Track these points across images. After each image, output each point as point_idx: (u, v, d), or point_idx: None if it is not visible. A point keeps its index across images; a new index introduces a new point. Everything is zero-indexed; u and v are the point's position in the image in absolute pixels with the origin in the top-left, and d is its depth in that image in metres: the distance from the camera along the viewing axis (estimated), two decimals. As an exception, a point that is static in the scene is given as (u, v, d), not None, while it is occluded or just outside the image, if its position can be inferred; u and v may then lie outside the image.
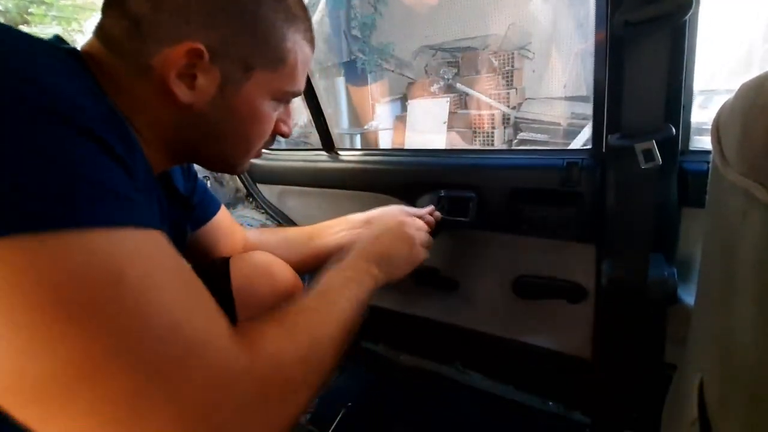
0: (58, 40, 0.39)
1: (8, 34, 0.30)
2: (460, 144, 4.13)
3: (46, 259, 0.24)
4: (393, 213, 0.70)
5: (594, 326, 0.81)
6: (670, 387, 0.57)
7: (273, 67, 0.42)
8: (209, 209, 0.65)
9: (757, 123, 0.32)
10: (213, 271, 0.55)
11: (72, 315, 0.24)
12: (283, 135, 0.50)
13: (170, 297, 0.28)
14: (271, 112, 0.45)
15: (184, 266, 0.32)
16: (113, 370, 0.25)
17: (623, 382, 0.78)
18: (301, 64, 0.45)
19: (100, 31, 0.38)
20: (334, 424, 0.96)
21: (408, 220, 0.66)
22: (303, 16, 0.44)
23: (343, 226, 0.76)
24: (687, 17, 0.55)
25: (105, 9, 0.38)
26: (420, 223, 0.69)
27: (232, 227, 0.70)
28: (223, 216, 0.67)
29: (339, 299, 0.45)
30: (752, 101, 0.33)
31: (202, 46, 0.37)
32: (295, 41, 0.43)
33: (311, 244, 0.74)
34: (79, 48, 0.39)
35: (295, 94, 0.47)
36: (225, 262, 0.55)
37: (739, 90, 0.36)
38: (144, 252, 0.28)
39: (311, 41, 0.47)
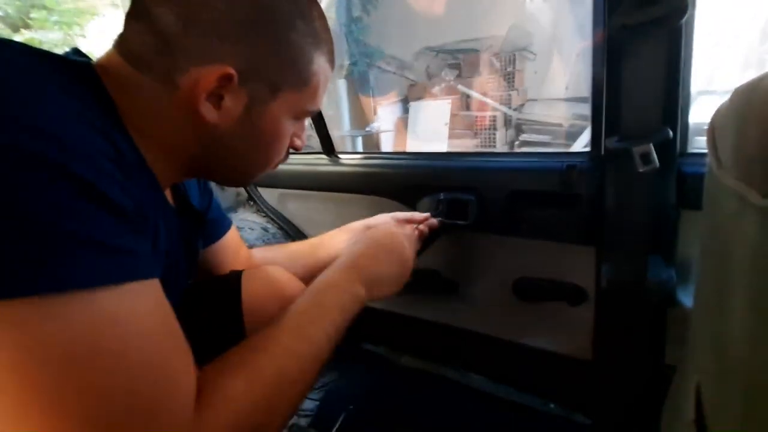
0: (75, 52, 0.39)
1: (13, 60, 0.29)
2: (461, 146, 4.13)
3: (11, 326, 0.24)
4: (384, 226, 0.65)
5: (594, 328, 0.81)
6: (670, 388, 0.58)
7: (299, 88, 0.42)
8: (221, 228, 0.65)
9: (750, 127, 0.32)
10: (225, 285, 0.56)
11: (34, 384, 0.24)
12: (297, 149, 0.50)
13: (140, 365, 0.28)
14: (290, 130, 0.45)
15: (166, 320, 0.32)
16: None
17: (624, 384, 0.78)
18: (323, 84, 0.45)
19: (122, 44, 0.37)
20: (336, 426, 0.96)
21: (400, 234, 0.61)
22: (327, 38, 0.44)
23: (345, 236, 0.76)
24: (683, 20, 0.56)
25: (129, 21, 0.37)
26: (412, 234, 0.67)
27: (239, 246, 0.70)
28: (232, 235, 0.67)
29: (315, 334, 0.43)
30: (746, 105, 0.33)
31: (233, 71, 0.36)
32: (320, 63, 0.43)
33: (316, 256, 0.74)
34: (96, 58, 0.38)
35: (315, 113, 0.47)
36: (237, 276, 0.55)
37: (733, 94, 0.36)
38: (123, 312, 0.28)
39: (333, 62, 0.47)
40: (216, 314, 0.44)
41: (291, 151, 0.51)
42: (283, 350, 0.39)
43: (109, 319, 0.27)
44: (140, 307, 0.29)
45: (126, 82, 0.36)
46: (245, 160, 0.45)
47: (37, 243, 0.25)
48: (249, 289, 0.54)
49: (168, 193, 0.48)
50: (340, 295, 0.48)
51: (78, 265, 0.26)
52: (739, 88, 0.35)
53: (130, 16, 0.37)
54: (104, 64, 0.37)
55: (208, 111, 0.37)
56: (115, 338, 0.27)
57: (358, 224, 0.78)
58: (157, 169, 0.39)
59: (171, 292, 0.46)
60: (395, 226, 0.66)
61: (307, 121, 1.19)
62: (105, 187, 0.28)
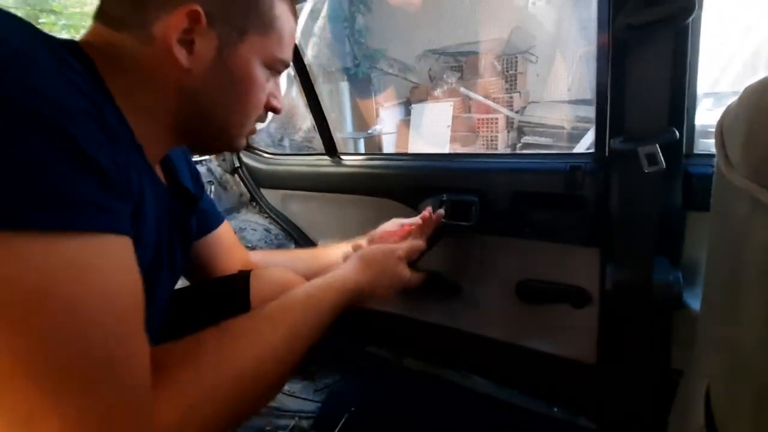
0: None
1: (8, 26, 0.31)
2: (463, 148, 4.13)
3: None
4: (381, 253, 0.67)
5: (599, 331, 0.80)
6: (677, 392, 0.57)
7: (264, 32, 0.45)
8: (213, 221, 0.65)
9: (761, 127, 0.31)
10: (233, 285, 0.57)
11: None
12: (275, 110, 0.51)
13: (92, 320, 0.28)
14: (264, 79, 0.47)
15: (126, 281, 0.32)
16: (13, 386, 0.25)
17: (629, 388, 0.77)
18: (287, 32, 0.47)
19: (101, 13, 0.40)
20: (338, 428, 0.95)
21: (396, 260, 0.66)
22: None
23: (347, 247, 0.76)
24: (690, 19, 0.55)
25: None
26: (417, 247, 0.70)
27: (233, 246, 0.70)
28: (225, 232, 0.68)
29: (292, 312, 0.46)
30: (756, 105, 0.33)
31: (200, 8, 0.39)
32: (281, 9, 0.46)
33: (315, 263, 0.74)
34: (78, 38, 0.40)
35: (284, 63, 0.49)
36: (246, 276, 0.56)
37: (742, 94, 0.35)
38: (82, 263, 0.28)
39: (295, 14, 0.50)
40: (224, 314, 0.44)
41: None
42: (244, 340, 0.41)
43: (66, 265, 0.27)
44: (102, 260, 0.29)
45: (107, 46, 0.39)
46: (224, 112, 0.46)
47: (5, 184, 0.25)
48: (257, 289, 0.55)
49: (160, 173, 0.49)
50: (318, 291, 0.52)
51: (42, 208, 0.26)
52: (749, 87, 0.35)
53: None
54: (86, 37, 0.40)
55: (182, 55, 0.40)
56: (71, 284, 0.27)
57: (362, 241, 0.78)
58: (145, 141, 0.40)
59: (165, 272, 0.46)
60: (393, 248, 0.68)
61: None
62: (84, 143, 0.29)
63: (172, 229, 0.48)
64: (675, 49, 0.57)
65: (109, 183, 0.31)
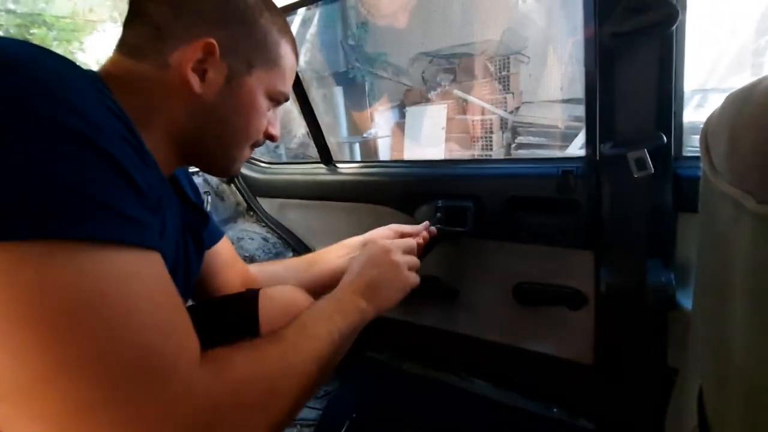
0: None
1: (44, 55, 0.33)
2: (458, 149, 4.15)
3: (29, 266, 0.26)
4: (378, 241, 0.67)
5: (595, 332, 0.81)
6: (673, 392, 0.58)
7: (269, 67, 0.49)
8: (214, 236, 0.67)
9: (744, 134, 0.32)
10: (241, 304, 0.57)
11: (46, 323, 0.26)
12: (272, 137, 0.55)
13: (146, 320, 0.30)
14: (265, 109, 0.51)
15: (168, 289, 0.34)
16: (75, 381, 0.26)
17: (626, 388, 0.78)
18: (289, 69, 0.52)
19: (122, 43, 0.44)
20: (340, 436, 0.96)
21: (393, 247, 0.64)
22: (290, 32, 0.53)
23: (342, 252, 0.77)
24: (674, 27, 0.56)
25: (127, 23, 0.45)
26: (408, 244, 0.68)
27: (233, 260, 0.70)
28: (224, 247, 0.69)
29: (318, 333, 0.47)
30: (738, 112, 0.34)
31: (215, 42, 0.43)
32: (285, 49, 0.51)
33: (311, 271, 0.74)
34: (98, 67, 0.44)
35: (285, 96, 0.53)
36: (254, 295, 0.57)
37: (725, 101, 0.36)
38: (131, 271, 0.30)
39: (296, 54, 0.55)
40: (233, 333, 0.45)
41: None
42: (287, 343, 0.43)
43: (117, 274, 0.29)
44: (146, 272, 0.32)
45: (125, 73, 0.42)
46: (227, 135, 0.49)
47: (60, 197, 0.27)
48: (266, 308, 0.55)
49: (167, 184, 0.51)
50: (342, 305, 0.54)
51: (93, 221, 0.28)
52: (730, 96, 0.36)
53: (128, 19, 0.44)
54: (106, 67, 0.43)
55: (194, 81, 0.43)
56: (122, 292, 0.29)
57: (355, 239, 0.78)
58: (158, 158, 0.42)
59: (181, 281, 0.48)
60: (390, 242, 0.67)
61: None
62: (125, 163, 0.31)
63: (188, 243, 0.51)
64: (661, 56, 0.59)
65: (145, 201, 0.33)
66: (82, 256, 0.28)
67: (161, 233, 0.39)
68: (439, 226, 0.83)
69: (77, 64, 0.36)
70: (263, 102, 0.50)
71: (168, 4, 0.43)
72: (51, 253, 0.27)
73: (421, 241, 0.75)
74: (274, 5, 0.50)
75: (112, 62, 0.44)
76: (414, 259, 0.67)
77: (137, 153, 0.34)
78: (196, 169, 0.67)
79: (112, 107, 0.34)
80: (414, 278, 0.64)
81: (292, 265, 0.78)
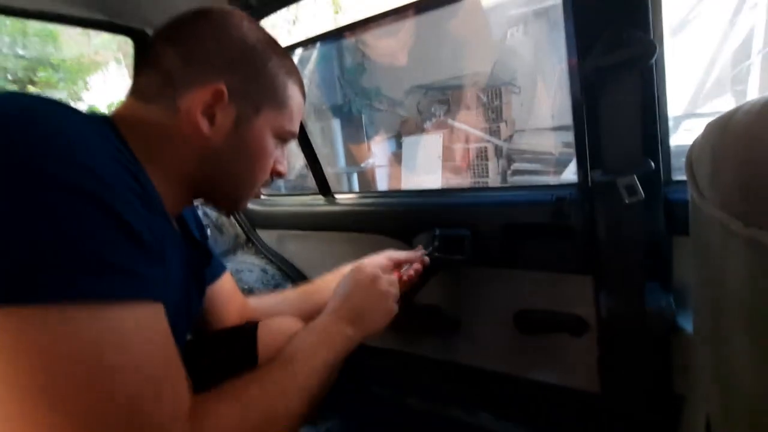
0: (92, 112, 0.44)
1: (54, 109, 0.34)
2: (455, 177, 4.20)
3: (23, 331, 0.27)
4: (364, 268, 0.66)
5: (599, 359, 0.80)
6: (681, 419, 0.56)
7: (277, 108, 0.50)
8: (217, 270, 0.67)
9: (726, 160, 0.33)
10: (241, 337, 0.58)
11: (34, 387, 0.27)
12: (280, 174, 0.56)
13: (137, 382, 0.30)
14: (273, 148, 0.52)
15: (164, 342, 0.34)
16: None
17: (633, 416, 0.76)
18: (297, 109, 0.53)
19: (135, 89, 0.46)
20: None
21: (379, 273, 0.64)
22: (297, 73, 0.54)
23: (338, 279, 0.77)
24: (653, 60, 0.59)
25: (138, 71, 0.47)
26: (393, 278, 0.68)
27: (234, 293, 0.71)
28: (226, 281, 0.69)
29: (304, 368, 0.48)
30: (719, 140, 0.35)
31: (224, 87, 0.44)
32: (293, 90, 0.52)
33: (309, 301, 0.74)
34: (110, 111, 0.45)
35: (293, 134, 0.54)
36: (253, 328, 0.57)
37: (705, 129, 0.38)
38: (125, 329, 0.30)
39: (303, 94, 0.56)
40: (232, 365, 0.45)
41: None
42: (274, 386, 0.44)
43: (113, 333, 0.30)
44: (144, 326, 0.32)
45: (136, 117, 0.43)
46: (236, 175, 0.50)
47: (58, 257, 0.28)
48: (265, 340, 0.56)
49: (175, 226, 0.51)
50: (328, 335, 0.54)
51: (90, 280, 0.29)
52: (710, 123, 0.37)
53: (140, 65, 0.47)
54: (118, 110, 0.45)
55: (204, 125, 0.44)
56: (118, 352, 0.30)
57: (348, 268, 0.78)
58: (165, 196, 0.43)
59: (183, 321, 0.48)
60: (378, 267, 0.67)
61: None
62: (128, 216, 0.32)
63: (189, 281, 0.51)
64: (643, 86, 0.61)
65: (148, 252, 0.33)
66: (78, 317, 0.28)
67: (164, 279, 0.39)
68: (437, 254, 0.84)
69: (83, 110, 0.38)
70: (271, 142, 0.51)
71: (178, 51, 0.44)
72: (45, 316, 0.27)
73: (414, 269, 0.75)
74: (281, 48, 0.51)
75: (124, 106, 0.45)
76: (396, 291, 0.66)
77: (143, 200, 0.35)
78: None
79: (118, 156, 0.35)
80: (395, 308, 0.64)
81: (289, 296, 0.77)
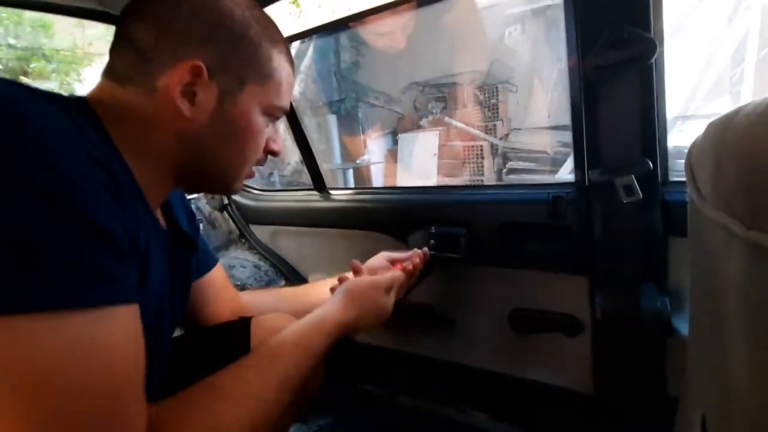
0: (69, 95, 0.42)
1: (15, 95, 0.31)
2: (450, 175, 4.20)
3: None
4: (365, 286, 0.65)
5: (593, 360, 0.80)
6: (675, 421, 0.56)
7: (262, 81, 0.46)
8: (208, 263, 0.65)
9: (727, 161, 0.33)
10: (234, 332, 0.57)
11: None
12: (274, 153, 0.52)
13: (97, 393, 0.29)
14: (263, 126, 0.48)
15: (130, 349, 0.33)
16: None
17: (627, 417, 0.76)
18: (285, 81, 0.49)
19: (109, 69, 0.42)
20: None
21: (380, 277, 0.66)
22: (282, 40, 0.49)
23: (332, 282, 0.76)
24: (653, 59, 0.59)
25: (112, 50, 0.43)
26: (389, 276, 0.68)
27: (225, 288, 0.69)
28: (217, 274, 0.67)
29: (281, 360, 0.47)
30: (721, 140, 0.34)
31: (201, 64, 0.40)
32: (279, 60, 0.47)
33: (304, 301, 0.73)
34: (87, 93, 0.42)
35: (283, 110, 0.50)
36: (247, 323, 0.56)
37: (706, 129, 0.37)
38: (87, 338, 0.29)
39: (291, 62, 0.51)
40: (225, 361, 0.44)
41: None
42: (251, 385, 0.43)
43: (74, 343, 0.28)
44: (109, 333, 0.30)
45: (113, 100, 0.41)
46: (224, 158, 0.47)
47: (17, 264, 0.26)
48: (258, 336, 0.54)
49: (159, 217, 0.49)
50: (319, 320, 0.54)
51: (51, 288, 0.27)
52: (712, 123, 0.37)
53: (114, 45, 0.43)
54: (95, 93, 0.42)
55: (184, 106, 0.41)
56: (77, 363, 0.28)
57: (350, 275, 0.78)
58: (148, 188, 0.41)
59: (168, 319, 0.46)
60: (377, 268, 0.68)
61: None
62: (96, 214, 0.30)
63: (173, 274, 0.48)
64: (642, 85, 0.61)
65: (120, 251, 0.32)
66: (37, 327, 0.27)
67: (142, 272, 0.38)
68: (432, 252, 0.83)
69: (63, 95, 0.36)
70: (260, 119, 0.47)
71: (150, 25, 0.41)
72: (10, 327, 0.26)
73: (411, 267, 0.75)
74: (263, 15, 0.47)
75: (100, 88, 0.42)
76: (392, 300, 0.67)
77: (116, 195, 0.33)
78: (188, 197, 0.66)
79: (90, 147, 0.33)
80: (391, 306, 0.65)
81: (284, 294, 0.77)
